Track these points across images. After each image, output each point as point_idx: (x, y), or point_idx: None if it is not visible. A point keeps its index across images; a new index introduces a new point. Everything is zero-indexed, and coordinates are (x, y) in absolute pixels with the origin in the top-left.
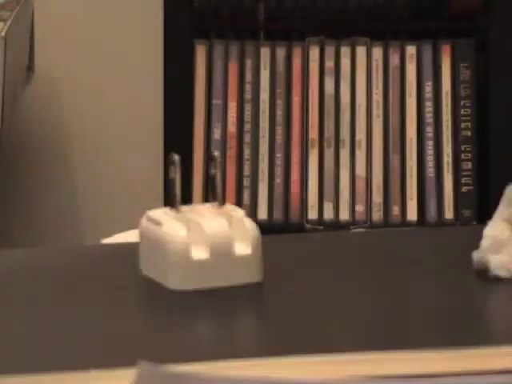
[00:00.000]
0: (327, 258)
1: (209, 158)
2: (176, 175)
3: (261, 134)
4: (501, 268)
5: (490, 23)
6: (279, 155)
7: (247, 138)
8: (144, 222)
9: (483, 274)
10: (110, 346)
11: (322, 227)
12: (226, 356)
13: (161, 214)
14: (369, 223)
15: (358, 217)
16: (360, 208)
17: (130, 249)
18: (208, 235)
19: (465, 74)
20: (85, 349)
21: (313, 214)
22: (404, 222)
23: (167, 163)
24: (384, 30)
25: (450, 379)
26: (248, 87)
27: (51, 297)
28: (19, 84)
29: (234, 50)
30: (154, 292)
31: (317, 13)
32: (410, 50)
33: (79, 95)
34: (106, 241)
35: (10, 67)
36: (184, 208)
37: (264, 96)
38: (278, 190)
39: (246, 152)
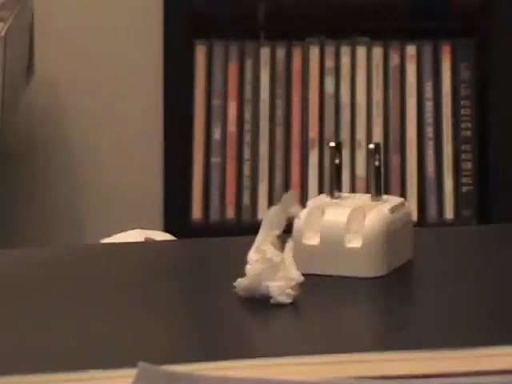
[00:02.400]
0: None
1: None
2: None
3: (261, 134)
4: (281, 295)
5: (490, 23)
6: (279, 155)
7: (247, 137)
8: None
9: (255, 301)
10: (110, 346)
11: None
12: (223, 356)
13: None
14: None
15: None
16: None
17: (129, 249)
18: (322, 224)
19: (465, 73)
20: (85, 349)
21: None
22: None
23: (167, 163)
24: (384, 29)
25: (449, 380)
26: (248, 87)
27: (50, 297)
28: (19, 84)
29: (233, 50)
30: (154, 292)
31: (317, 13)
32: (410, 49)
33: (79, 95)
34: (106, 241)
35: (10, 67)
36: (342, 195)
37: (264, 96)
38: (278, 190)
39: (246, 152)
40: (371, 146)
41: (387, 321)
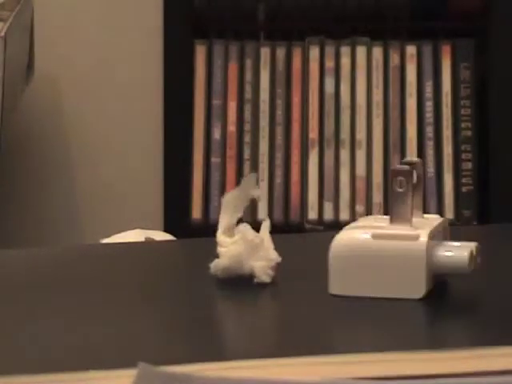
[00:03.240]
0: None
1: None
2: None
3: (261, 133)
4: (264, 274)
5: (490, 23)
6: (279, 155)
7: (247, 137)
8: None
9: (234, 282)
10: (110, 346)
11: (321, 227)
12: (222, 357)
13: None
14: None
15: (358, 217)
16: (360, 208)
17: (129, 249)
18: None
19: (465, 73)
20: (84, 349)
21: (313, 214)
22: None
23: (167, 163)
24: (384, 29)
25: (449, 380)
26: (248, 87)
27: (50, 297)
28: (19, 83)
29: (233, 50)
30: (154, 292)
31: (317, 13)
32: (410, 49)
33: (79, 95)
34: (106, 241)
35: (9, 67)
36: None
37: (264, 96)
38: (278, 190)
39: (246, 152)
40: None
41: (386, 321)
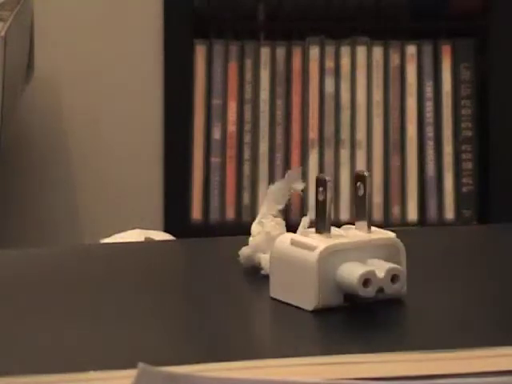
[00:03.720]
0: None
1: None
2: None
3: (261, 133)
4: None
5: (490, 23)
6: (279, 155)
7: (247, 137)
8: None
9: (252, 271)
10: (110, 346)
11: None
12: (222, 358)
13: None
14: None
15: None
16: None
17: (129, 249)
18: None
19: (465, 73)
20: (84, 350)
21: (313, 214)
22: (404, 221)
23: (167, 163)
24: (384, 29)
25: (449, 380)
26: (248, 87)
27: (50, 297)
28: (19, 83)
29: (233, 49)
30: (154, 292)
31: (317, 13)
32: (411, 49)
33: (79, 95)
34: (106, 241)
35: (9, 67)
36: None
37: (264, 96)
38: None
39: (246, 152)
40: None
41: (384, 321)
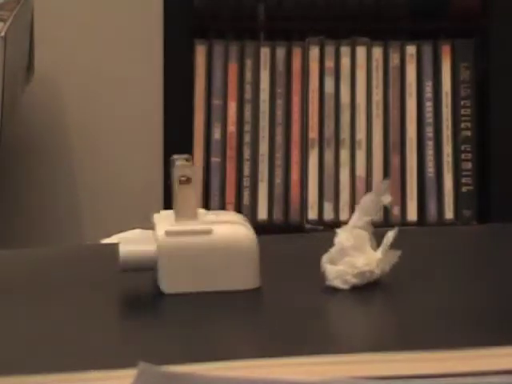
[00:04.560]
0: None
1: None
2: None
3: (261, 134)
4: (336, 279)
5: (490, 23)
6: (279, 155)
7: (247, 138)
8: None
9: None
10: (110, 346)
11: (322, 227)
12: (222, 357)
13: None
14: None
15: None
16: None
17: None
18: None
19: (465, 74)
20: (84, 349)
21: (313, 214)
22: (404, 221)
23: (167, 163)
24: (384, 29)
25: (449, 380)
26: (248, 87)
27: (50, 297)
28: (19, 84)
29: (233, 50)
30: (154, 292)
31: (317, 13)
32: (410, 49)
33: (79, 95)
34: (106, 241)
35: (9, 67)
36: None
37: (264, 96)
38: (278, 190)
39: (246, 152)
40: None
41: (386, 321)
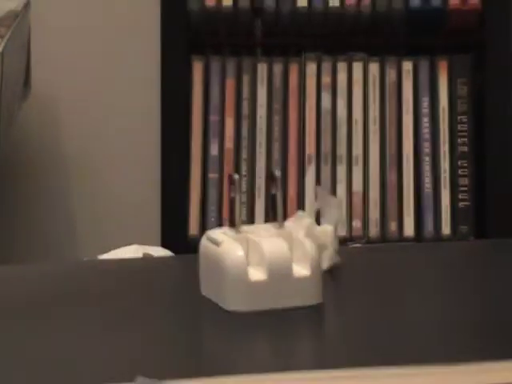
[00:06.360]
0: (327, 274)
1: (270, 178)
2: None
3: (258, 149)
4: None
5: (486, 39)
6: (276, 171)
7: (244, 153)
8: (204, 241)
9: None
10: (109, 360)
11: None
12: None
13: (220, 233)
14: (366, 239)
15: (354, 232)
16: (357, 224)
17: (128, 264)
18: (267, 256)
19: (461, 89)
20: (84, 363)
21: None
22: (401, 237)
23: (165, 179)
24: (381, 45)
25: None
26: (245, 103)
27: (49, 312)
28: (16, 100)
29: (230, 65)
30: (153, 307)
31: (313, 29)
32: (407, 65)
33: (76, 111)
34: (104, 256)
35: (6, 83)
36: (244, 228)
37: (261, 112)
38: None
39: (243, 168)
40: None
41: (382, 336)
